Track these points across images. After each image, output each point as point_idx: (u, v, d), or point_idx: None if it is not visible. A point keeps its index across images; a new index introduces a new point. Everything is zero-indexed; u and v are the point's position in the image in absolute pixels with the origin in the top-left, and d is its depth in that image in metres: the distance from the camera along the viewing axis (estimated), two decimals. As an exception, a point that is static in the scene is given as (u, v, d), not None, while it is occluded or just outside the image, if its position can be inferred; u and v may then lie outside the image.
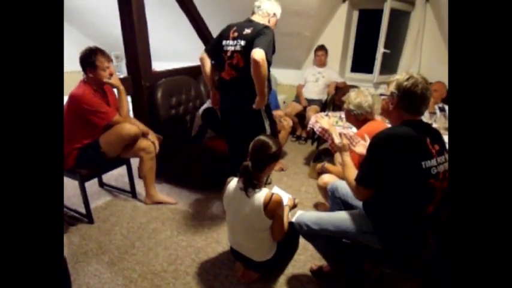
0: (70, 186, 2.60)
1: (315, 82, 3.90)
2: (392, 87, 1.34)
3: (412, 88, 1.27)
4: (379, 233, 1.38)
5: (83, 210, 2.27)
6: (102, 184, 2.79)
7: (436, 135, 1.33)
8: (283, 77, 4.42)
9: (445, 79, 3.25)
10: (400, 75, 1.34)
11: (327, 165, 2.17)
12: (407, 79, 1.29)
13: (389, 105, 1.35)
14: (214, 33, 3.45)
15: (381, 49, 3.63)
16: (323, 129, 2.83)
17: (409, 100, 1.29)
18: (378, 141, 1.27)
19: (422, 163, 1.23)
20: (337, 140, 1.57)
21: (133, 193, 2.61)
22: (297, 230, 1.59)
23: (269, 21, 2.09)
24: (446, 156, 1.31)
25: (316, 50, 3.86)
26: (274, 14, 2.11)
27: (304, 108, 3.81)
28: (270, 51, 1.89)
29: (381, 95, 1.44)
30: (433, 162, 1.26)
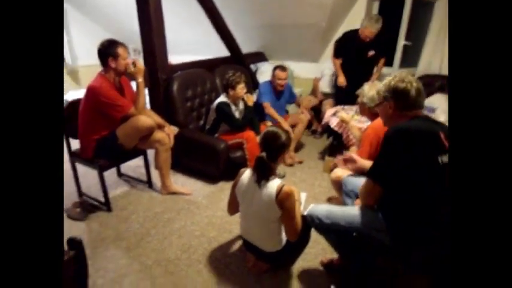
0: (90, 175, 2.70)
1: (332, 76, 3.84)
2: (382, 93, 1.37)
3: (400, 84, 1.30)
4: (393, 232, 1.34)
5: (101, 199, 2.36)
6: (120, 174, 2.88)
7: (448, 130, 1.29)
8: (299, 70, 4.38)
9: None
10: (385, 81, 1.38)
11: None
12: (393, 79, 1.34)
13: (388, 109, 1.36)
14: (231, 26, 3.48)
15: (401, 41, 3.52)
16: (339, 123, 2.79)
17: (403, 96, 1.31)
18: (393, 134, 1.24)
19: (439, 158, 1.19)
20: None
21: (149, 183, 2.69)
22: (308, 223, 1.59)
23: None
24: None
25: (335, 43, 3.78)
26: None
27: (320, 102, 3.77)
28: None
29: (375, 105, 1.46)
30: (446, 157, 1.21)
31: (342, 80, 3.32)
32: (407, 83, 1.31)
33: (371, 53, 3.18)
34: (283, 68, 3.12)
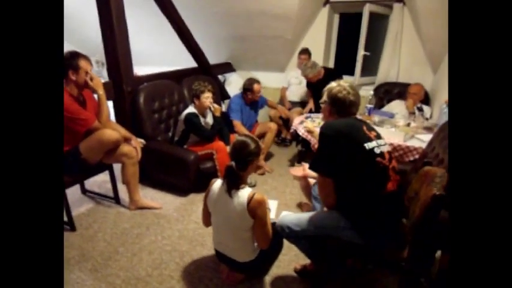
0: (51, 193, 2.55)
1: (298, 85, 3.96)
2: (324, 97, 1.57)
3: (338, 94, 1.50)
4: (355, 226, 1.43)
5: (64, 218, 2.22)
6: (84, 191, 2.74)
7: (369, 125, 1.53)
8: (266, 80, 4.46)
9: (423, 81, 3.37)
10: (331, 85, 1.57)
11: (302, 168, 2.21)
12: (335, 87, 1.53)
13: (326, 112, 1.58)
14: (198, 37, 3.48)
15: (361, 52, 3.72)
16: (307, 131, 2.87)
17: (338, 104, 1.51)
18: (327, 129, 1.43)
19: (365, 145, 1.39)
20: None
21: (116, 199, 2.58)
22: (279, 233, 1.62)
23: None
24: (385, 140, 1.52)
25: (299, 53, 3.91)
26: None
27: (288, 110, 3.86)
28: None
29: (320, 103, 1.64)
30: (374, 143, 1.42)
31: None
32: (346, 94, 1.50)
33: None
34: (257, 82, 3.22)
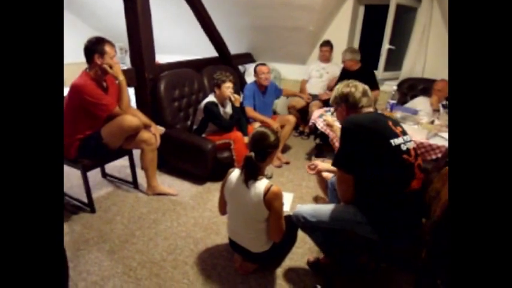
0: (73, 176, 2.64)
1: (319, 78, 3.89)
2: (335, 99, 1.58)
3: (346, 88, 1.52)
4: (372, 222, 1.41)
5: (85, 200, 2.30)
6: (104, 174, 2.82)
7: (395, 120, 1.51)
8: (287, 72, 4.42)
9: (449, 77, 3.23)
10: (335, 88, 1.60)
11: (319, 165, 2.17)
12: (340, 86, 1.55)
13: (343, 113, 1.56)
14: (220, 27, 3.47)
15: (386, 45, 3.60)
16: (326, 124, 2.82)
17: (350, 98, 1.50)
18: (345, 124, 1.41)
19: (391, 141, 1.36)
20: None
21: (135, 184, 2.64)
22: (294, 223, 1.61)
23: None
24: (410, 136, 1.48)
25: (321, 46, 3.83)
26: None
27: (307, 103, 3.81)
28: None
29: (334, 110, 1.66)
30: (400, 140, 1.39)
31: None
32: (352, 87, 1.52)
33: None
34: (263, 64, 3.21)
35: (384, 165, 1.35)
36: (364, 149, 1.34)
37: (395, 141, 1.36)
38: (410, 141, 1.43)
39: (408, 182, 1.37)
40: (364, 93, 1.51)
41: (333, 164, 1.44)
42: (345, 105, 1.53)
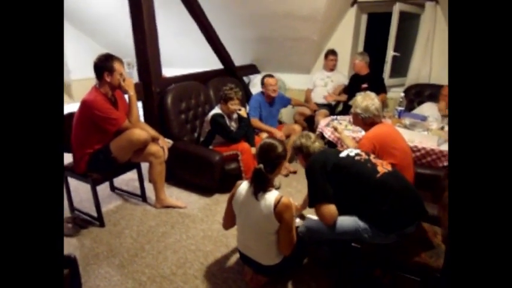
0: (82, 190, 2.65)
1: (323, 86, 3.89)
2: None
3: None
4: (370, 216, 1.46)
5: (94, 214, 2.30)
6: (113, 188, 2.83)
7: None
8: (292, 81, 4.43)
9: (456, 82, 3.20)
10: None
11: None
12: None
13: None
14: (223, 39, 3.51)
15: (390, 52, 3.60)
16: (334, 129, 2.81)
17: (303, 149, 1.76)
18: (310, 165, 1.62)
19: (340, 155, 1.60)
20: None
21: (143, 197, 2.65)
22: (302, 236, 1.60)
23: None
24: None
25: (327, 55, 3.84)
26: None
27: (314, 112, 3.80)
28: None
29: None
30: (346, 152, 1.62)
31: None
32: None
33: (364, 85, 3.38)
34: (270, 75, 3.24)
35: (347, 174, 1.51)
36: (327, 175, 1.52)
37: (342, 154, 1.60)
38: (354, 150, 1.65)
39: (375, 170, 1.50)
40: (315, 140, 1.76)
41: (311, 205, 1.56)
42: (302, 155, 1.77)
